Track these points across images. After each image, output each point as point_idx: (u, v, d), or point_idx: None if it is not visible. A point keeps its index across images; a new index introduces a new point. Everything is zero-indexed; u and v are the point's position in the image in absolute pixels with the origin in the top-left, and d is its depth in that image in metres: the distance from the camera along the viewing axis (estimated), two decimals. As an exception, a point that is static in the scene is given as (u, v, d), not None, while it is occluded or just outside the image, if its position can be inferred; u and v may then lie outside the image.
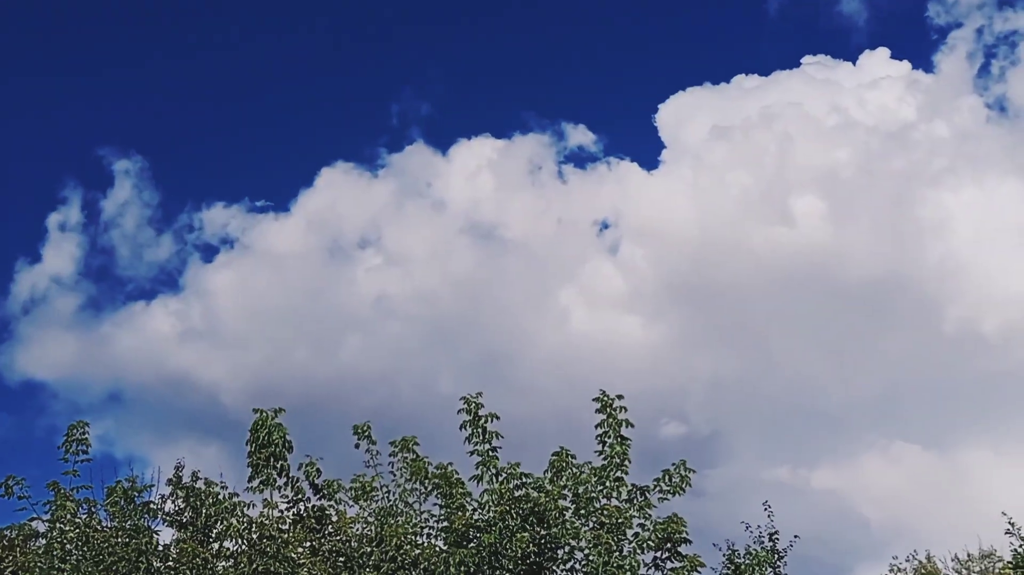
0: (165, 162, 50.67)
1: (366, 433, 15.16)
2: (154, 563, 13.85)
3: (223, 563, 13.98)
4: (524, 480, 13.89)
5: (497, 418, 14.30)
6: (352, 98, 54.87)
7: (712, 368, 45.88)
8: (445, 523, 13.91)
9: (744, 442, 41.22)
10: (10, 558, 14.17)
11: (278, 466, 14.36)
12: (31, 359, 46.27)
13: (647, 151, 54.02)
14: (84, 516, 14.42)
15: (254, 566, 13.32)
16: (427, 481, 14.29)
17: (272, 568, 13.25)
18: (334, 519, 14.56)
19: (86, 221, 47.71)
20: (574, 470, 14.10)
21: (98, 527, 14.34)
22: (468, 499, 14.04)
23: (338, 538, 14.14)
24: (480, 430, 14.24)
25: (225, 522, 14.11)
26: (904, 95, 46.91)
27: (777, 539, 17.39)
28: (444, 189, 48.88)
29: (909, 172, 47.46)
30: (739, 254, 45.81)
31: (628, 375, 45.95)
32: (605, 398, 14.28)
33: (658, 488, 14.09)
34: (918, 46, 56.60)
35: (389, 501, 14.62)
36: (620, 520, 13.50)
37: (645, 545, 13.67)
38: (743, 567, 16.13)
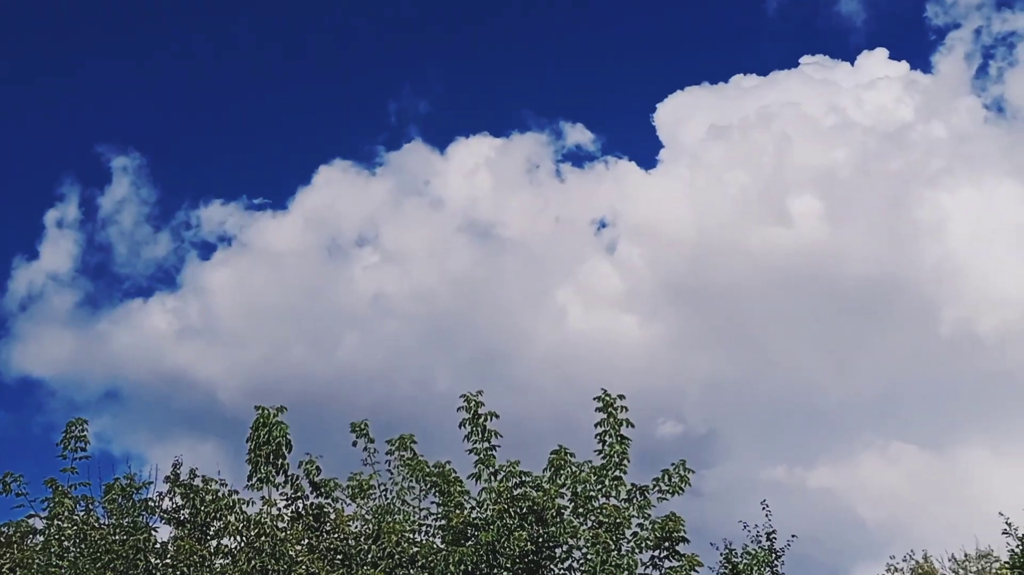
0: (163, 159, 50.59)
1: (364, 431, 15.17)
2: (152, 560, 13.83)
3: (221, 560, 13.97)
4: (523, 479, 13.90)
5: (496, 416, 14.32)
6: (350, 96, 54.84)
7: (709, 367, 45.94)
8: (443, 521, 13.91)
9: (741, 442, 41.28)
10: (8, 555, 14.16)
11: (278, 464, 14.36)
12: (28, 356, 46.27)
13: (645, 150, 54.06)
14: (82, 513, 14.41)
15: (252, 563, 13.32)
16: (426, 479, 14.28)
17: (270, 565, 13.24)
18: (332, 517, 14.56)
19: (83, 218, 47.62)
20: (573, 469, 14.11)
21: (96, 524, 14.32)
22: (466, 498, 14.05)
23: (336, 536, 14.14)
24: (480, 428, 14.25)
25: (224, 519, 14.11)
26: (902, 95, 46.96)
27: (775, 539, 17.43)
28: (442, 187, 48.88)
29: (907, 173, 47.51)
30: (736, 254, 45.86)
31: (625, 374, 45.98)
32: (606, 397, 14.29)
33: (657, 488, 14.11)
34: (916, 47, 56.65)
35: (386, 499, 14.63)
36: (619, 519, 13.51)
37: (643, 544, 13.68)
38: (741, 567, 16.16)
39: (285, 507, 14.47)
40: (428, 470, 14.26)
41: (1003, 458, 37.04)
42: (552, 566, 13.64)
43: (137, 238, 47.86)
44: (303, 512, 14.51)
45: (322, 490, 14.72)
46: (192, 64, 54.52)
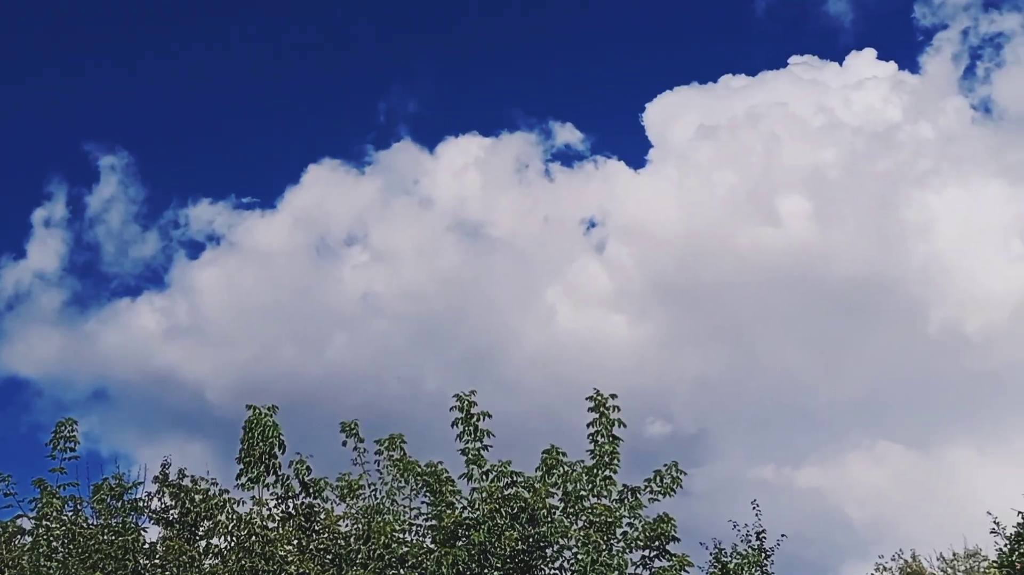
0: (151, 158, 50.50)
1: (354, 431, 15.13)
2: (140, 560, 13.79)
3: (210, 561, 13.93)
4: (514, 479, 13.89)
5: (489, 416, 14.30)
6: (339, 95, 54.81)
7: (697, 367, 46.06)
8: (433, 521, 13.88)
9: (729, 441, 41.39)
10: (-4, 555, 14.12)
11: (270, 464, 14.31)
12: (15, 355, 46.13)
13: (634, 150, 54.11)
14: (70, 513, 14.35)
15: (242, 563, 13.28)
16: (416, 478, 14.26)
17: (260, 566, 13.20)
18: (322, 517, 14.53)
19: (71, 217, 47.51)
20: (565, 468, 14.10)
21: (84, 524, 14.27)
22: (457, 497, 14.03)
23: (326, 536, 14.10)
24: (472, 428, 14.23)
25: (214, 519, 14.07)
26: (890, 96, 47.13)
27: (764, 538, 17.43)
28: (431, 187, 48.88)
29: (894, 173, 47.70)
30: (725, 253, 45.97)
31: (614, 374, 46.09)
32: (599, 397, 14.30)
33: (648, 489, 14.11)
34: (904, 47, 57.04)
35: (376, 499, 14.60)
36: (610, 519, 13.51)
37: (634, 544, 13.69)
38: (731, 567, 16.16)
39: (275, 507, 14.43)
40: (420, 470, 14.24)
41: (990, 458, 37.25)
42: (543, 566, 13.64)
43: (125, 237, 47.79)
44: (294, 512, 14.47)
45: (312, 490, 14.68)
46: (180, 63, 54.44)
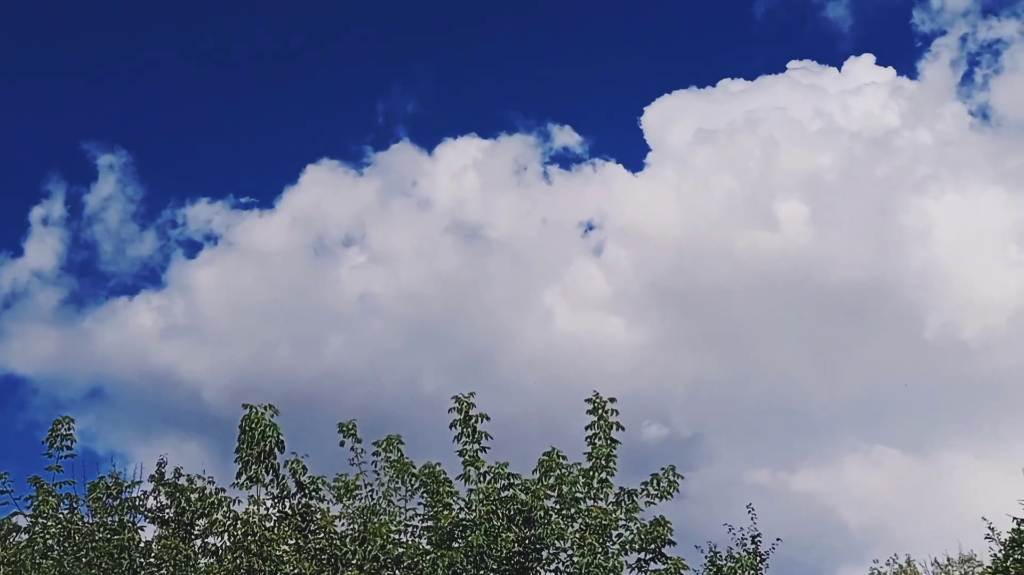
0: (150, 157, 50.59)
1: (352, 431, 15.12)
2: (136, 559, 13.79)
3: (205, 560, 13.92)
4: (511, 480, 13.89)
5: (487, 418, 14.29)
6: (338, 96, 54.90)
7: (694, 370, 46.10)
8: (430, 522, 13.89)
9: (725, 445, 41.38)
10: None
11: (268, 463, 14.30)
12: (12, 353, 46.14)
13: (632, 153, 54.41)
14: (66, 512, 14.35)
15: (238, 563, 13.28)
16: (414, 479, 14.26)
17: (255, 565, 13.20)
18: (318, 517, 14.52)
19: (69, 215, 47.56)
20: (563, 471, 14.10)
21: (80, 523, 14.27)
22: (455, 499, 14.03)
23: (322, 536, 14.10)
24: (470, 430, 14.23)
25: (210, 518, 14.06)
26: (888, 101, 47.25)
27: (760, 542, 17.47)
28: (429, 188, 48.96)
29: (892, 178, 47.83)
30: (723, 257, 46.05)
31: (611, 376, 46.14)
32: (597, 400, 14.30)
33: (645, 492, 14.12)
34: (903, 53, 57.03)
35: (372, 499, 14.60)
36: (606, 522, 13.52)
37: (629, 547, 13.69)
38: (726, 570, 16.19)
39: (272, 506, 14.42)
40: (417, 471, 14.25)
41: (986, 463, 37.26)
42: (539, 568, 13.64)
43: (123, 236, 47.82)
44: (290, 511, 14.46)
45: (308, 489, 14.67)
46: (179, 63, 54.47)
